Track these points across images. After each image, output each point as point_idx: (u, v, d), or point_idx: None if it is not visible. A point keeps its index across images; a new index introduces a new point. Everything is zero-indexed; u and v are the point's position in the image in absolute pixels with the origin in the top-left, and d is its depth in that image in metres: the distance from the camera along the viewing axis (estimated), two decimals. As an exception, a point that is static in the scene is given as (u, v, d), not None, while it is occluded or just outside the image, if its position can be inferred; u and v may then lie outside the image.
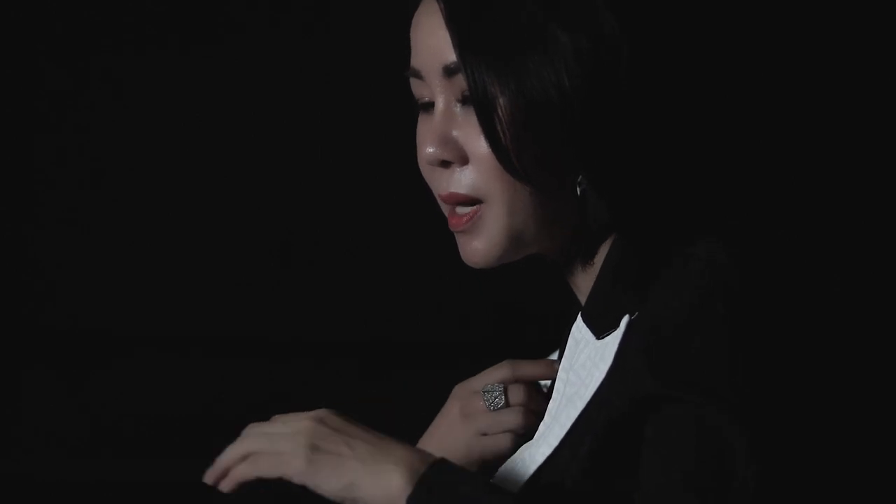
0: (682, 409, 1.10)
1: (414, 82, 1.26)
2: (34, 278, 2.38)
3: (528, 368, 1.33)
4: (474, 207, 1.23)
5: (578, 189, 1.20)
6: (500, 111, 1.19)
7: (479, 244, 1.23)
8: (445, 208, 1.26)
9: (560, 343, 1.30)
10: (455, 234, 1.26)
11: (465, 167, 1.22)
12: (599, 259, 1.24)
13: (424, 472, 1.11)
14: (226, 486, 1.14)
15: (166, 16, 2.37)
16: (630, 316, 1.17)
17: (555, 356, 1.34)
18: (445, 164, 1.23)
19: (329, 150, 2.42)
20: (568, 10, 1.18)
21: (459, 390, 1.35)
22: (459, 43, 1.20)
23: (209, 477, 1.15)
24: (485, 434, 1.32)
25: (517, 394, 1.32)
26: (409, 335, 2.41)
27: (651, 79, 1.20)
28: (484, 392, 1.32)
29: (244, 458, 1.14)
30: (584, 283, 1.26)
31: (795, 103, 1.73)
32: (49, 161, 2.37)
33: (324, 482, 1.12)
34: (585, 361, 1.21)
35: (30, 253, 2.38)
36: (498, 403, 1.32)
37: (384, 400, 2.30)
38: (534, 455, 1.21)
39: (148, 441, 2.38)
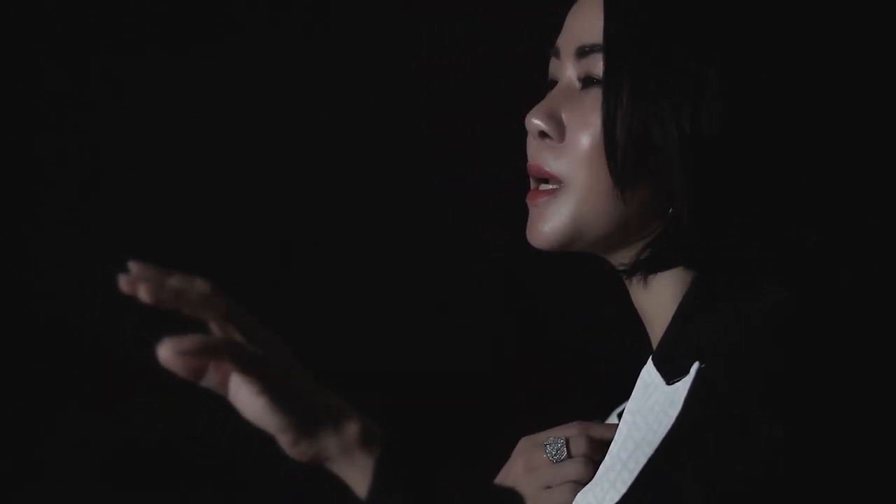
0: (723, 430, 1.09)
1: (552, 62, 1.31)
2: (34, 278, 2.38)
3: (599, 430, 1.33)
4: (554, 187, 1.23)
5: (670, 212, 1.21)
6: (624, 97, 1.20)
7: (544, 225, 1.27)
8: (531, 182, 1.30)
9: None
10: (529, 209, 1.29)
11: (559, 146, 1.26)
12: (669, 288, 1.24)
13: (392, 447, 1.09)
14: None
15: (166, 16, 2.36)
16: (700, 363, 1.17)
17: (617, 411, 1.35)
18: (543, 136, 1.26)
19: (329, 149, 2.41)
20: (720, 55, 1.20)
21: (524, 444, 1.36)
22: (609, 19, 1.23)
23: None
24: (549, 487, 1.32)
25: (579, 445, 1.32)
26: (408, 341, 2.41)
27: (771, 134, 1.20)
28: (546, 444, 1.32)
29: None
30: (650, 309, 1.27)
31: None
32: (49, 161, 2.37)
33: (290, 411, 1.03)
34: (653, 406, 1.20)
35: (30, 253, 2.37)
36: (560, 455, 1.32)
37: (382, 409, 2.30)
38: (600, 500, 1.21)
39: (142, 435, 2.38)
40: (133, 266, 1.01)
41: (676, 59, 1.19)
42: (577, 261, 1.32)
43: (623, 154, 1.20)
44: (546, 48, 1.31)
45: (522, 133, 2.46)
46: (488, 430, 1.42)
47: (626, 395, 1.31)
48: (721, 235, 1.19)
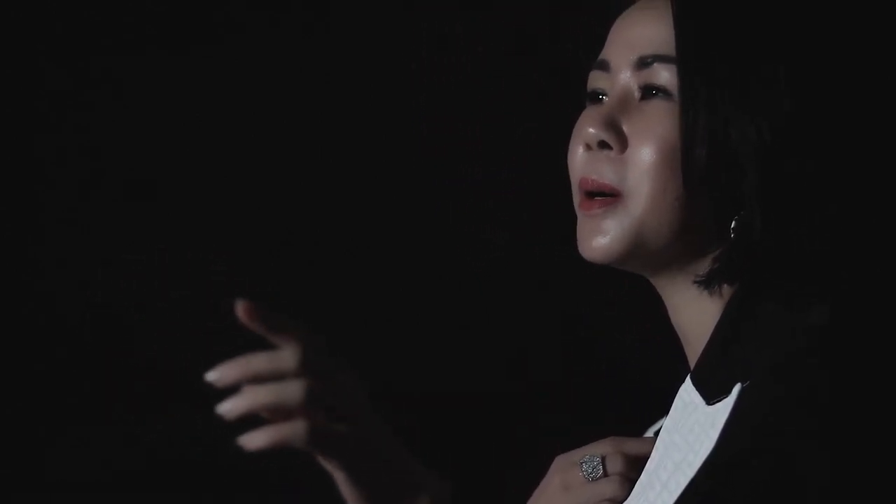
0: (768, 455, 1.09)
1: (595, 74, 1.28)
2: (34, 279, 2.38)
3: (634, 445, 1.32)
4: (610, 197, 1.23)
5: (733, 223, 1.21)
6: (701, 108, 1.20)
7: (603, 238, 1.24)
8: (577, 196, 1.27)
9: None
10: (579, 219, 1.26)
11: (619, 157, 1.24)
12: (710, 304, 1.24)
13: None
14: (253, 442, 1.00)
15: (166, 16, 2.36)
16: (742, 384, 1.16)
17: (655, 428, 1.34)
18: (602, 146, 1.24)
19: (329, 149, 2.41)
20: (793, 62, 1.20)
21: (559, 462, 1.34)
22: (681, 31, 1.22)
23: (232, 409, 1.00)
24: None
25: (615, 463, 1.30)
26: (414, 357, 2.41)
27: (847, 148, 1.20)
28: (582, 463, 1.31)
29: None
30: (690, 325, 1.26)
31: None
32: (49, 161, 2.36)
33: (364, 486, 1.03)
34: (693, 426, 1.19)
35: (30, 253, 2.37)
36: (596, 474, 1.31)
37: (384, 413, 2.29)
38: None
39: (143, 436, 2.38)
40: (242, 307, 1.00)
41: (751, 67, 1.20)
42: (611, 274, 1.31)
43: (700, 165, 1.20)
44: (585, 61, 1.29)
45: (521, 133, 2.46)
46: (520, 446, 1.40)
47: (659, 412, 1.30)
48: (789, 246, 1.19)
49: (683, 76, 1.21)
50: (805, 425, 1.09)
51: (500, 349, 2.41)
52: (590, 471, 1.29)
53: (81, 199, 2.37)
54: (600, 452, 1.30)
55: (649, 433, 1.38)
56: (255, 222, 2.40)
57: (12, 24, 2.33)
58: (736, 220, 1.20)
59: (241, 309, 1.01)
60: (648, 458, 1.26)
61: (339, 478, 1.03)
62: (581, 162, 1.26)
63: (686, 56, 1.21)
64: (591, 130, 1.24)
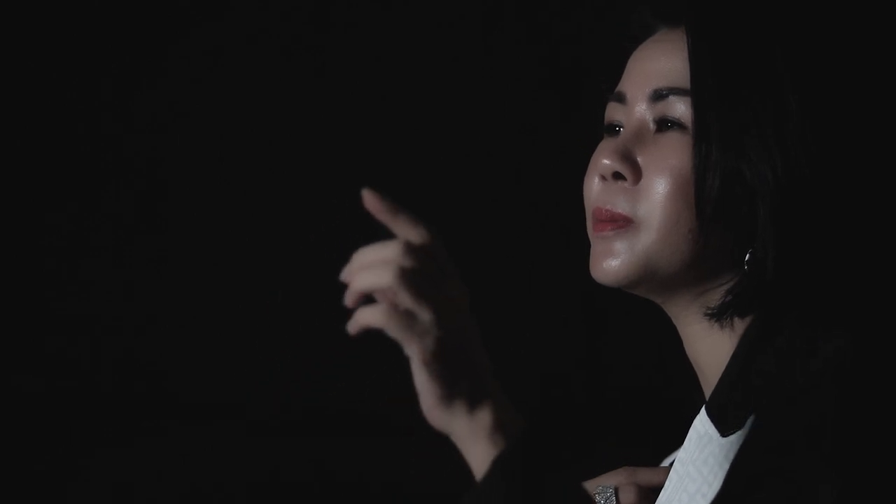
0: (778, 482, 1.10)
1: (612, 106, 1.30)
2: (36, 279, 2.38)
3: (646, 475, 1.33)
4: (624, 222, 1.25)
5: (747, 256, 1.22)
6: (714, 141, 1.22)
7: (613, 261, 1.25)
8: (591, 221, 1.28)
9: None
10: (592, 243, 1.28)
11: (633, 188, 1.25)
12: (725, 335, 1.25)
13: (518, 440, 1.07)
14: (352, 326, 1.06)
15: (166, 15, 2.36)
16: (756, 416, 1.17)
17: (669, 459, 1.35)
18: (616, 177, 1.26)
19: (328, 150, 2.41)
20: (807, 99, 1.21)
21: None
22: (695, 65, 1.23)
23: (349, 299, 1.05)
24: None
25: (628, 495, 1.31)
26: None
27: (859, 181, 1.22)
28: (595, 494, 1.32)
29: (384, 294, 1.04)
30: (705, 357, 1.27)
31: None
32: (51, 162, 2.36)
33: (436, 380, 1.05)
34: (708, 458, 1.20)
35: (32, 257, 2.37)
36: None
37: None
38: None
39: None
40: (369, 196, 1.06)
41: (765, 101, 1.21)
42: (629, 302, 1.31)
43: (713, 198, 1.21)
44: (604, 93, 1.30)
45: (520, 133, 2.45)
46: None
47: (675, 443, 1.31)
48: (799, 280, 1.20)
49: (697, 109, 1.23)
50: (816, 453, 1.10)
51: (515, 378, 2.41)
52: (603, 501, 1.30)
53: (86, 209, 2.36)
54: (614, 483, 1.31)
55: (665, 463, 1.38)
56: (255, 224, 2.40)
57: (13, 25, 2.32)
58: (749, 254, 1.21)
59: (366, 197, 1.06)
60: (662, 488, 1.27)
61: (415, 364, 1.05)
62: (596, 192, 1.28)
63: (700, 89, 1.23)
64: (606, 162, 1.26)
